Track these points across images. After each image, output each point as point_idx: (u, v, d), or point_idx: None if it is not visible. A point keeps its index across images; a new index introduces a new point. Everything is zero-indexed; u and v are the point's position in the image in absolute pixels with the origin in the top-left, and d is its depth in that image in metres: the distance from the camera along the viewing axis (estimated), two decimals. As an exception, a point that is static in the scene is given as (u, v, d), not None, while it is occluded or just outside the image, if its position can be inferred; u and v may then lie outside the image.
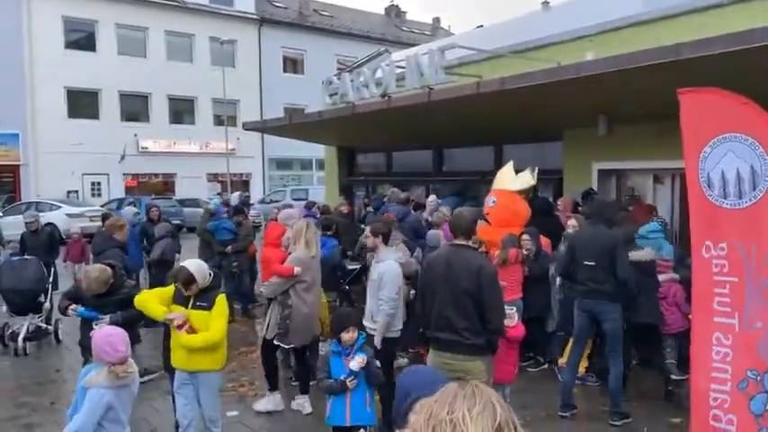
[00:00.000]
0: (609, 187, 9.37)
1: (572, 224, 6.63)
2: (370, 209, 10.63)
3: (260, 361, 6.08)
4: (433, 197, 10.12)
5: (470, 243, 4.26)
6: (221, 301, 4.56)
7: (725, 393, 3.46)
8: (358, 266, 7.90)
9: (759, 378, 3.36)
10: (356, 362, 4.04)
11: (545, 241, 7.01)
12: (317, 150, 18.05)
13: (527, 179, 7.44)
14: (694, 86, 3.73)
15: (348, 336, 4.12)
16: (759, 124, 3.43)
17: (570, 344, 6.31)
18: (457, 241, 4.25)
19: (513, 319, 4.69)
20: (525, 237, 6.84)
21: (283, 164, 34.05)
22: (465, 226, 4.21)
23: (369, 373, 4.12)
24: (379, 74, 9.47)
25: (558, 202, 8.34)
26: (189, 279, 4.44)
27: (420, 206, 9.71)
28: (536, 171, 7.55)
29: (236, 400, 6.15)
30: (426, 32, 40.48)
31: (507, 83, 6.85)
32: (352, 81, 9.63)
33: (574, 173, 9.36)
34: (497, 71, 8.18)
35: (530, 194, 7.73)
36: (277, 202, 20.92)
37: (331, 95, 10.11)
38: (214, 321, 4.47)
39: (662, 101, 5.96)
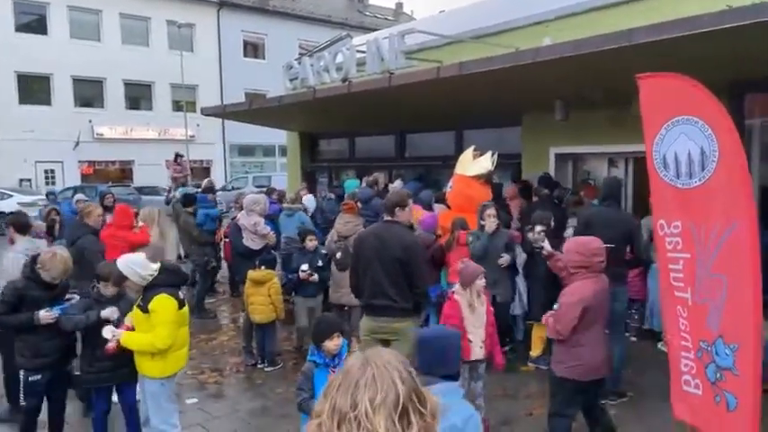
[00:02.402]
0: (566, 171, 9.53)
1: (516, 205, 6.82)
2: (330, 195, 10.47)
3: (220, 348, 6.03)
4: (398, 182, 10.11)
5: (398, 219, 4.71)
6: (158, 304, 4.02)
7: (691, 361, 3.71)
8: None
9: (709, 348, 3.54)
10: None
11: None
12: (279, 136, 17.83)
13: (484, 164, 7.46)
14: (648, 71, 3.80)
15: (333, 344, 3.64)
16: (708, 106, 3.53)
17: (535, 333, 6.45)
18: (387, 218, 4.75)
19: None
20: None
21: (245, 150, 33.64)
22: (389, 206, 4.73)
23: None
24: (339, 58, 9.35)
25: (504, 193, 8.56)
26: (119, 278, 4.17)
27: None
28: (495, 156, 7.60)
29: (196, 387, 6.09)
30: (389, 17, 40.31)
31: (465, 67, 6.86)
32: (312, 66, 9.53)
33: (532, 157, 9.50)
34: (458, 56, 8.18)
35: (490, 179, 7.79)
36: (239, 189, 20.67)
37: (291, 80, 9.97)
38: (156, 328, 4.02)
39: (616, 86, 6.07)
